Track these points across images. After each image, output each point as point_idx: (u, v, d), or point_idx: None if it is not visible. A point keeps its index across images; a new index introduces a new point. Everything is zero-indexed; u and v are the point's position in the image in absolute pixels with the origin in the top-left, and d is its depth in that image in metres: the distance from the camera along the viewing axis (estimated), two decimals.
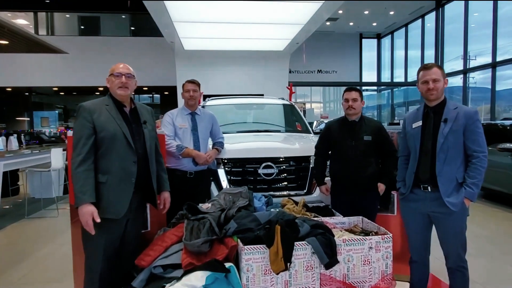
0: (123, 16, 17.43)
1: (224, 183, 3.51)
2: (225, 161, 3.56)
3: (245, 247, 2.23)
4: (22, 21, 16.95)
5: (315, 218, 2.90)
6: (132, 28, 17.35)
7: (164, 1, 6.81)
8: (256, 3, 7.16)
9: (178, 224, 2.70)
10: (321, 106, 20.79)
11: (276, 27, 8.79)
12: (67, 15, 17.47)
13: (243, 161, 3.54)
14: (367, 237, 2.46)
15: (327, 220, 2.88)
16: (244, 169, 3.53)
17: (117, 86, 2.37)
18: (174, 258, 2.34)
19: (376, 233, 2.63)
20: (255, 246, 2.24)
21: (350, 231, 2.76)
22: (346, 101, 3.19)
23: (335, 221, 2.91)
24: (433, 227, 2.58)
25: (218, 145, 3.53)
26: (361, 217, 2.96)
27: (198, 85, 3.47)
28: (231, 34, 9.41)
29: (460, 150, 2.40)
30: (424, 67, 2.49)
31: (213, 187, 3.50)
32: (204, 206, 2.76)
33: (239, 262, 2.28)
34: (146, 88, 17.41)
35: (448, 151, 2.39)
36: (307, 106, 19.78)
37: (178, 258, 2.30)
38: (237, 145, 3.73)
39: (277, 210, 2.94)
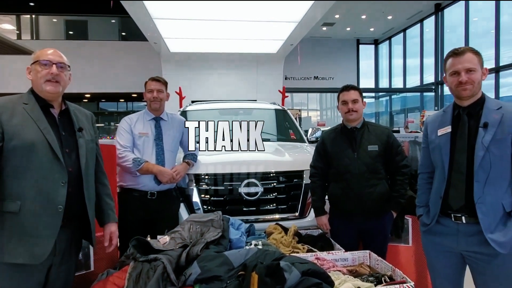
0: (113, 21, 16.80)
1: (198, 205, 2.83)
2: (198, 177, 2.89)
3: None
4: (8, 25, 16.30)
5: (309, 254, 2.26)
6: (123, 33, 16.71)
7: None
8: None
9: (126, 264, 2.03)
10: (317, 114, 20.15)
11: (268, 25, 8.09)
12: (54, 19, 16.82)
13: (220, 178, 2.87)
14: (380, 286, 1.79)
15: (324, 256, 2.23)
16: (222, 188, 2.86)
17: (44, 79, 1.74)
18: None
19: (391, 278, 1.95)
20: None
21: (355, 272, 2.09)
22: (344, 103, 2.53)
23: (335, 257, 2.26)
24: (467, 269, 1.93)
25: (190, 158, 2.86)
26: (367, 251, 2.29)
27: (165, 83, 2.80)
28: (219, 34, 8.71)
29: (508, 167, 1.75)
30: (454, 53, 1.84)
31: (182, 210, 2.82)
32: (161, 241, 2.08)
33: None
34: (135, 95, 16.70)
35: (491, 169, 1.73)
36: (304, 114, 19.21)
37: None
38: (214, 158, 3.05)
39: (259, 242, 2.28)
